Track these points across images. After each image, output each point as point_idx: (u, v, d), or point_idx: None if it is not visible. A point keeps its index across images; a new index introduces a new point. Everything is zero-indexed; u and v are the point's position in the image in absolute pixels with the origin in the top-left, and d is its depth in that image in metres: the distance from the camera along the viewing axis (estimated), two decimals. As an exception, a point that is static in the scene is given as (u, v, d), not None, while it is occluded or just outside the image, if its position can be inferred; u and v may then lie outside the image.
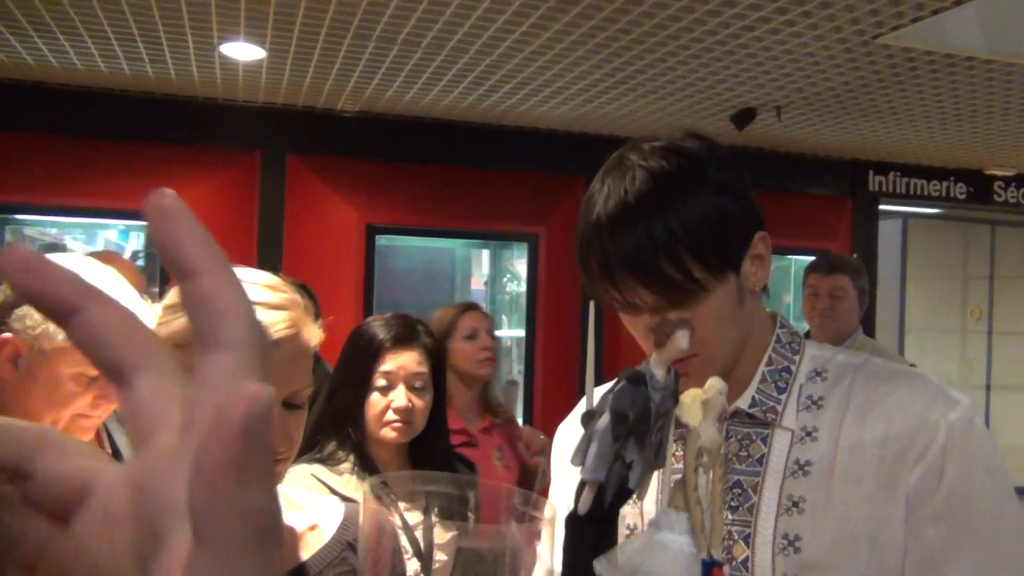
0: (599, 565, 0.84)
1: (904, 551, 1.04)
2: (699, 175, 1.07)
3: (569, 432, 1.35)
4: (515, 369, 5.62)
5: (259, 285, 1.14)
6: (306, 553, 1.22)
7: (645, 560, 0.83)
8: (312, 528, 1.25)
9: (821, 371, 1.15)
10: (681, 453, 0.96)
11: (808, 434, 1.10)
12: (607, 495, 0.89)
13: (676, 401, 0.93)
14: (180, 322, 1.12)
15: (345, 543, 1.26)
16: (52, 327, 1.48)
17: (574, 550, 0.90)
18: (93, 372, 1.50)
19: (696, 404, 0.89)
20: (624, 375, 0.93)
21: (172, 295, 1.16)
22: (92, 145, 4.64)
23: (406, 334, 2.07)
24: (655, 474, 0.98)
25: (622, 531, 1.22)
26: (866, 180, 6.08)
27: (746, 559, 1.08)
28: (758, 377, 1.14)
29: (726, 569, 0.92)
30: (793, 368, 1.15)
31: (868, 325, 5.67)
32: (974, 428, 1.06)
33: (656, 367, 0.92)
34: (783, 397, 1.13)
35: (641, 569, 0.82)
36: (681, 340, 0.97)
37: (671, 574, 0.82)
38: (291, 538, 1.21)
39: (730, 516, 1.11)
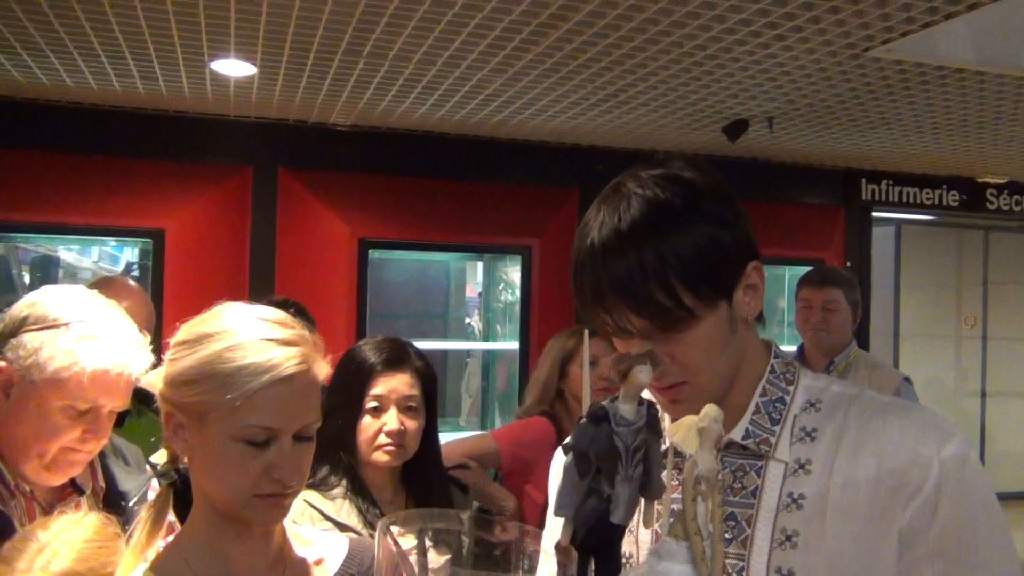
0: None
1: None
2: (694, 205, 1.06)
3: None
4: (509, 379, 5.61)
5: (269, 321, 1.16)
6: None
7: None
8: (318, 563, 1.27)
9: (815, 402, 1.14)
10: (677, 482, 0.94)
11: (801, 466, 1.09)
12: (577, 530, 0.91)
13: (657, 433, 0.93)
14: (189, 360, 1.13)
15: None
16: (43, 357, 1.47)
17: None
18: (83, 406, 1.49)
19: (692, 432, 0.88)
20: (587, 412, 0.94)
21: (183, 331, 1.18)
22: (83, 162, 4.62)
23: (397, 357, 2.06)
24: (656, 503, 0.98)
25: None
26: (859, 189, 6.09)
27: None
28: (752, 408, 1.13)
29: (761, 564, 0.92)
30: (787, 399, 1.14)
31: (862, 333, 5.68)
32: (968, 463, 1.05)
33: (623, 403, 0.93)
34: (777, 428, 1.12)
35: None
36: (640, 376, 0.96)
37: None
38: (303, 570, 1.23)
39: (725, 548, 1.10)
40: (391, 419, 1.99)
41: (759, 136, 4.89)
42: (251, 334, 1.14)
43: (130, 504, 1.73)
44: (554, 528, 1.34)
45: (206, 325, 1.17)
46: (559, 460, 1.36)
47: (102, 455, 1.75)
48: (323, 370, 1.18)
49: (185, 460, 1.21)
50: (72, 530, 1.30)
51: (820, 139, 5.12)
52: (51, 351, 1.47)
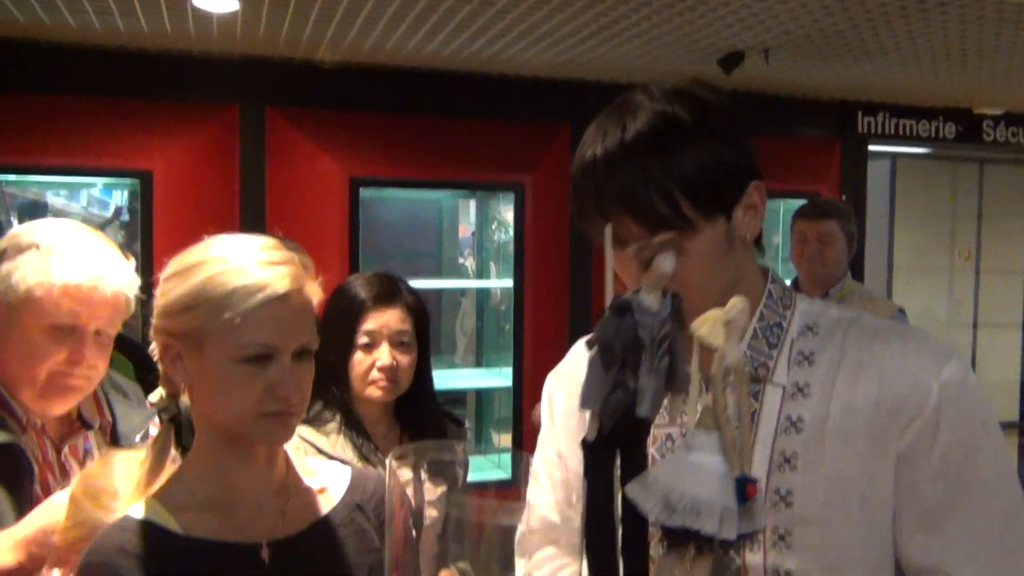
0: (631, 490, 0.84)
1: (893, 510, 1.05)
2: (702, 120, 1.07)
3: (558, 381, 1.36)
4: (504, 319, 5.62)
5: (258, 247, 1.18)
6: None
7: (678, 482, 0.82)
8: (321, 491, 1.30)
9: (812, 326, 1.15)
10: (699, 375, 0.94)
11: (800, 390, 1.10)
12: (604, 423, 0.89)
13: (681, 324, 0.91)
14: (182, 288, 1.16)
15: (353, 505, 1.30)
16: (16, 279, 1.48)
17: (590, 477, 0.90)
18: (61, 322, 1.50)
19: (718, 325, 0.88)
20: (611, 304, 0.92)
21: (172, 265, 1.20)
22: (65, 102, 4.53)
23: (388, 292, 2.06)
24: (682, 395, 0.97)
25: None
26: (855, 121, 6.04)
27: None
28: (750, 333, 1.14)
29: (760, 485, 0.92)
30: (784, 323, 1.15)
31: (857, 266, 5.67)
32: (967, 385, 1.06)
33: (645, 294, 0.91)
34: (775, 353, 1.13)
35: (675, 490, 0.82)
36: (664, 263, 0.97)
37: (706, 493, 0.81)
38: (308, 498, 1.26)
39: None
40: (383, 354, 2.00)
41: (755, 68, 4.82)
42: (241, 258, 1.16)
43: (137, 439, 1.74)
44: (547, 452, 1.35)
45: (195, 255, 1.18)
46: (558, 380, 1.36)
47: (105, 391, 1.76)
48: (316, 292, 1.21)
49: (184, 395, 1.23)
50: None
51: (817, 70, 5.05)
52: (23, 271, 1.49)
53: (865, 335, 1.12)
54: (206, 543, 1.17)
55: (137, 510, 1.19)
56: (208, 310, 1.13)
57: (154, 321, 1.19)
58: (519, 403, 5.08)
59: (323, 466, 1.37)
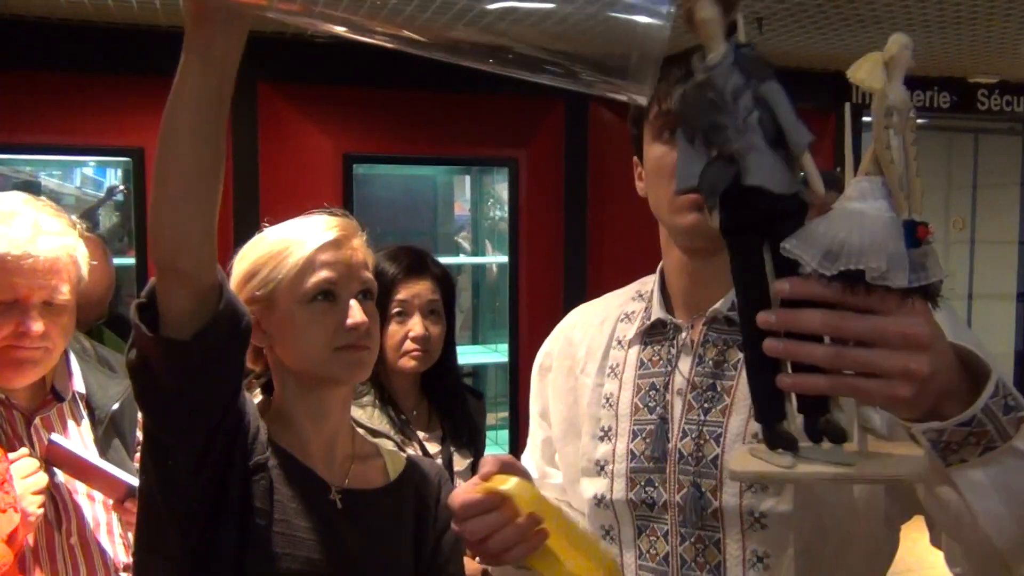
0: (789, 244, 0.74)
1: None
2: None
3: (554, 337, 1.38)
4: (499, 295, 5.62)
5: (306, 216, 1.31)
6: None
7: (841, 231, 0.73)
8: (382, 465, 1.38)
9: None
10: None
11: None
12: (710, 201, 0.79)
13: (762, 70, 0.80)
14: (243, 263, 1.28)
15: (413, 483, 1.37)
16: None
17: (733, 268, 0.81)
18: (5, 298, 1.49)
19: (878, 66, 0.79)
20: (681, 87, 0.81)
21: (239, 254, 1.30)
22: (55, 80, 4.50)
23: (416, 264, 2.09)
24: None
25: (594, 434, 1.23)
26: (850, 92, 5.99)
27: (715, 457, 1.12)
28: None
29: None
30: None
31: (852, 239, 5.67)
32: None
33: (710, 50, 0.78)
34: None
35: (838, 239, 0.72)
36: (704, 10, 0.82)
37: (873, 239, 0.72)
38: (373, 466, 1.35)
39: (703, 416, 1.14)
40: (416, 324, 2.02)
41: (748, 38, 4.79)
42: (287, 227, 1.29)
43: (112, 408, 1.74)
44: (534, 412, 1.37)
45: (247, 242, 1.31)
46: (548, 351, 1.39)
47: (80, 364, 1.75)
48: (365, 249, 1.33)
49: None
50: None
51: (811, 40, 5.02)
52: None
53: None
54: (295, 458, 1.25)
55: None
56: (272, 268, 1.24)
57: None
58: (515, 379, 5.09)
59: (380, 445, 1.44)
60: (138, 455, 1.68)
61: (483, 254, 5.83)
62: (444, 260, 6.32)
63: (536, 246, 5.28)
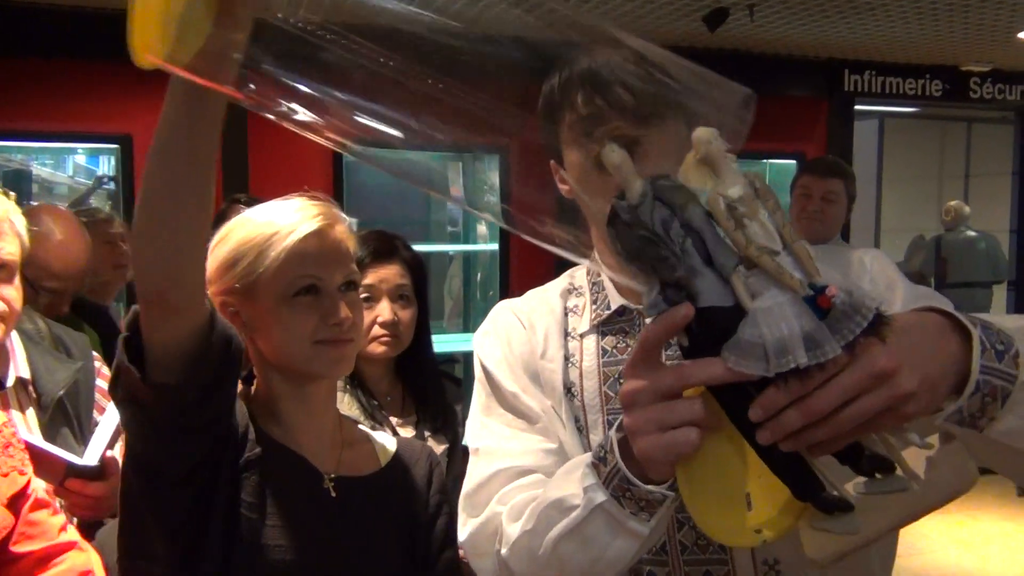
0: (731, 362, 0.75)
1: None
2: None
3: (495, 334, 1.25)
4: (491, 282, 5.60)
5: (285, 201, 1.26)
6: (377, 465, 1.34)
7: (762, 333, 0.74)
8: (372, 450, 1.36)
9: None
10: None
11: None
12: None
13: (682, 199, 0.78)
14: (221, 249, 1.23)
15: (404, 466, 1.35)
16: None
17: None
18: None
19: (697, 169, 0.78)
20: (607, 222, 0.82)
21: (215, 237, 1.25)
22: (43, 66, 4.47)
23: (385, 248, 2.05)
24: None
25: (570, 423, 1.15)
26: (842, 80, 6.00)
27: None
28: None
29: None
30: None
31: (844, 228, 5.67)
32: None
33: (628, 191, 0.78)
34: None
35: (767, 339, 0.73)
36: (611, 155, 0.81)
37: (783, 333, 0.73)
38: (363, 451, 1.33)
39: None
40: (384, 309, 1.99)
41: (740, 25, 4.77)
42: (273, 210, 1.24)
43: (59, 393, 1.72)
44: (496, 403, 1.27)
45: (226, 225, 1.26)
46: (499, 315, 1.27)
47: (28, 347, 1.73)
48: (347, 235, 1.27)
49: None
50: None
51: (803, 27, 5.01)
52: None
53: (834, 255, 1.16)
54: (288, 449, 1.23)
55: None
56: (253, 257, 1.19)
57: (207, 288, 1.20)
58: (506, 366, 5.08)
59: (370, 431, 1.42)
60: (96, 437, 1.66)
61: (475, 242, 5.81)
62: (435, 247, 6.33)
63: (527, 234, 5.26)
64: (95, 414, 1.84)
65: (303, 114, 0.83)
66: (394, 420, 2.02)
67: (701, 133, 0.77)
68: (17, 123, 4.45)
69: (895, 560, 1.14)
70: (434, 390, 2.11)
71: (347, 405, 1.96)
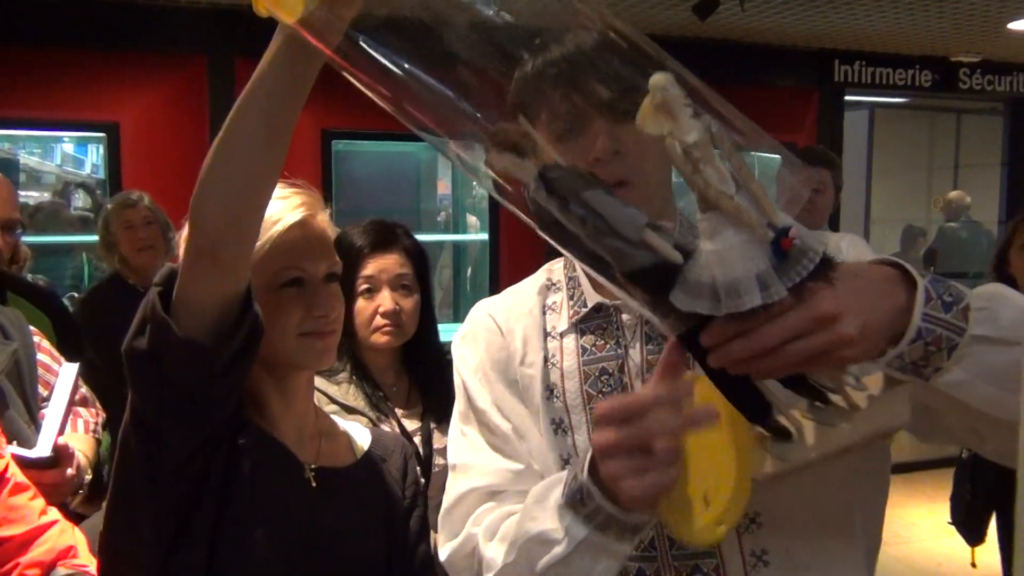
0: (679, 301, 0.76)
1: None
2: None
3: (474, 337, 1.24)
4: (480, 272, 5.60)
5: None
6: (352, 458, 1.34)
7: (713, 275, 0.75)
8: (348, 442, 1.37)
9: None
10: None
11: None
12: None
13: (571, 179, 0.81)
14: None
15: (379, 457, 1.36)
16: None
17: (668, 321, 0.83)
18: None
19: (655, 113, 0.76)
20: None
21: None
22: (30, 53, 4.42)
23: (385, 238, 2.03)
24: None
25: (547, 428, 1.13)
26: (832, 70, 6.00)
27: None
28: None
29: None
30: None
31: (834, 217, 5.68)
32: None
33: (526, 189, 0.84)
34: None
35: (718, 280, 0.74)
36: (497, 161, 0.89)
37: (736, 276, 0.74)
38: (340, 443, 1.34)
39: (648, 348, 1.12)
40: (385, 299, 1.98)
41: (730, 15, 4.76)
42: None
43: None
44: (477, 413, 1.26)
45: None
46: (477, 317, 1.26)
47: None
48: (328, 223, 1.27)
49: None
50: None
51: (793, 17, 5.00)
52: None
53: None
54: (272, 438, 1.22)
55: None
56: None
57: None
58: (496, 356, 5.08)
59: (344, 423, 1.42)
60: (46, 426, 1.64)
61: (465, 232, 5.80)
62: (425, 237, 6.32)
63: (516, 223, 5.24)
64: (40, 389, 1.82)
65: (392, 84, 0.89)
66: (399, 411, 2.00)
67: (658, 79, 0.76)
68: (3, 111, 4.41)
69: (881, 548, 1.14)
70: (439, 379, 2.08)
71: (352, 396, 1.95)
